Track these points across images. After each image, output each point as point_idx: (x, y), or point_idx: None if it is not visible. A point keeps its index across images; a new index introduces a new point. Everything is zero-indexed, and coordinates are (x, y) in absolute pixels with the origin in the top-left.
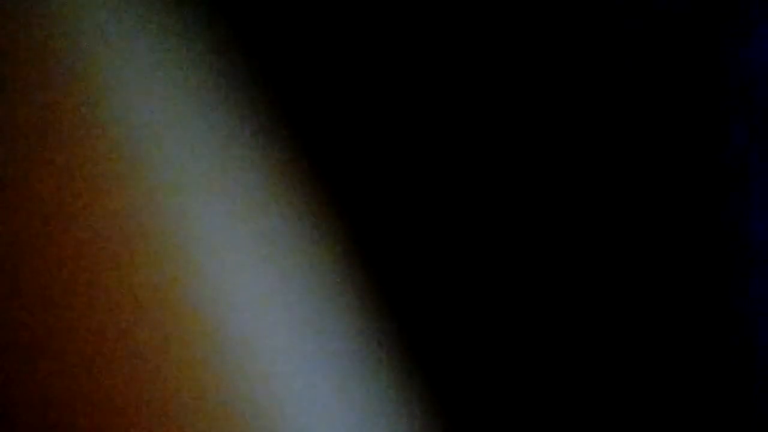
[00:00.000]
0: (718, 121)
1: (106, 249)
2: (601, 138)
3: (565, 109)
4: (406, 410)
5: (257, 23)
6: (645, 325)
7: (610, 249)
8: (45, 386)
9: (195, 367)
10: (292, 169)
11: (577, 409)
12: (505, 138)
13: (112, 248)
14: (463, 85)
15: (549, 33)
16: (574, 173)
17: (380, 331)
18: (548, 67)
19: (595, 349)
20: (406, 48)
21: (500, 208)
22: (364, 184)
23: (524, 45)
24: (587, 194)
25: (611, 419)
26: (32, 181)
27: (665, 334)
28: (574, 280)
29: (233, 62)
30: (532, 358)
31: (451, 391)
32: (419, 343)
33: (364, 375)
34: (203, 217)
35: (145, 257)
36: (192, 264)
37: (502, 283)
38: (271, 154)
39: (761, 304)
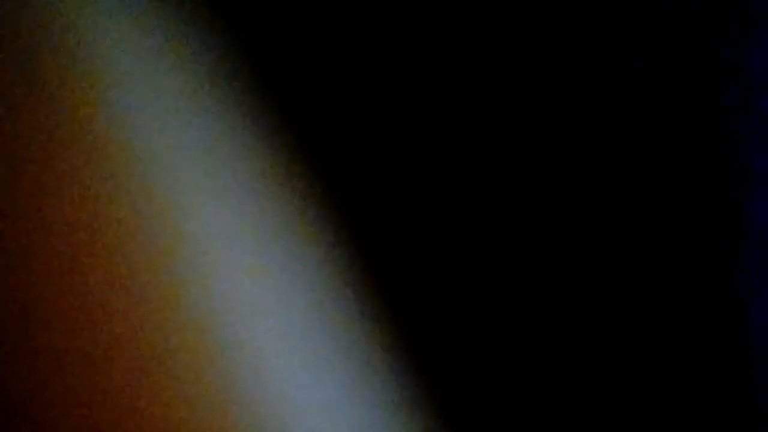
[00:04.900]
0: (719, 117)
1: (106, 249)
2: (597, 128)
3: (563, 104)
4: (407, 411)
5: (258, 23)
6: (643, 321)
7: (608, 244)
8: (44, 387)
9: (195, 368)
10: (293, 169)
11: (577, 408)
12: (507, 139)
13: (112, 248)
14: (464, 86)
15: (548, 33)
16: (572, 166)
17: (381, 331)
18: (548, 64)
19: (594, 347)
20: (407, 48)
21: (500, 208)
22: (365, 184)
23: (525, 43)
24: (586, 188)
25: (611, 419)
26: (32, 182)
27: (664, 329)
28: (571, 275)
29: (234, 62)
30: (532, 358)
31: (451, 391)
32: (420, 343)
33: (365, 376)
34: (204, 217)
35: (144, 257)
36: (192, 264)
37: (503, 283)
38: (271, 154)
39: (760, 297)
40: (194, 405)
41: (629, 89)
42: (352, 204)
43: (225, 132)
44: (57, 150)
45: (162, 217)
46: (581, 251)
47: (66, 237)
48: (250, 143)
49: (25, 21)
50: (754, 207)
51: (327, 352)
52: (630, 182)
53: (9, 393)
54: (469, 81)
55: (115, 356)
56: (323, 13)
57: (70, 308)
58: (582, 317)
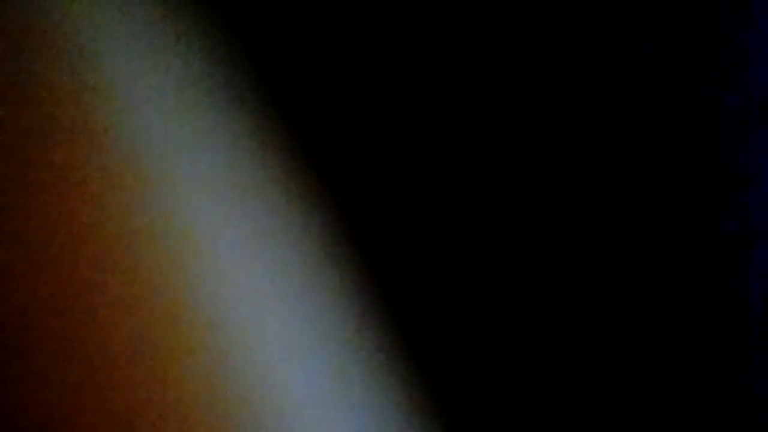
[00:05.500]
0: (720, 117)
1: (105, 248)
2: (597, 128)
3: (563, 105)
4: (405, 409)
5: (259, 23)
6: (643, 320)
7: (608, 245)
8: (44, 387)
9: (194, 366)
10: (292, 169)
11: (577, 408)
12: (507, 139)
13: (111, 247)
14: (464, 87)
15: (546, 33)
16: (572, 166)
17: (380, 329)
18: (546, 65)
19: (594, 348)
20: (407, 48)
21: (500, 208)
22: (364, 184)
23: (523, 45)
24: (587, 190)
25: (611, 419)
26: (32, 181)
27: (663, 328)
28: (571, 275)
29: (235, 62)
30: (532, 358)
31: (451, 390)
32: (419, 341)
33: (363, 374)
34: (203, 217)
35: (143, 256)
36: (191, 263)
37: (502, 283)
38: (271, 153)
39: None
40: (196, 405)
41: (628, 88)
42: (352, 204)
43: (226, 131)
44: (57, 150)
45: (163, 216)
46: (581, 251)
47: (66, 237)
48: (251, 143)
49: (24, 20)
50: (754, 207)
51: (328, 351)
52: (630, 181)
53: (9, 393)
54: (469, 81)
55: (115, 356)
56: (323, 13)
57: (71, 308)
58: (582, 317)
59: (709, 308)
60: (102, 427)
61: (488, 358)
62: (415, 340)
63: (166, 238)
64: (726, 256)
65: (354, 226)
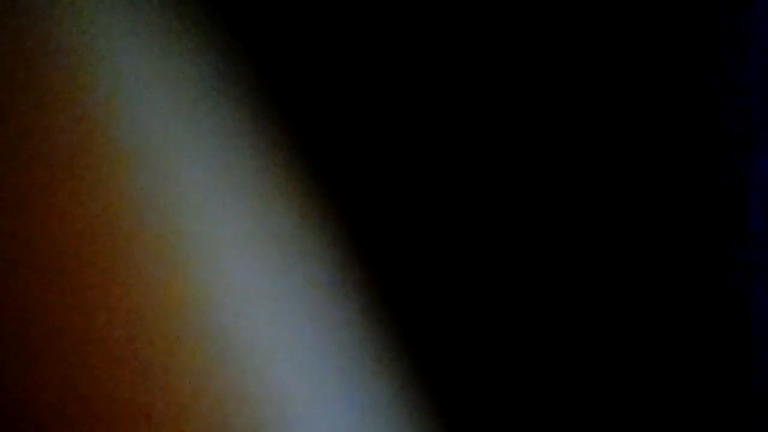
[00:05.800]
0: (719, 117)
1: (104, 248)
2: (596, 128)
3: (562, 104)
4: (405, 409)
5: (260, 23)
6: (643, 321)
7: (609, 243)
8: (44, 386)
9: (193, 366)
10: (292, 168)
11: (577, 408)
12: (507, 139)
13: (110, 247)
14: (463, 84)
15: (546, 34)
16: (571, 165)
17: (380, 329)
18: (546, 66)
19: (594, 347)
20: (407, 48)
21: (500, 208)
22: (364, 183)
23: (525, 43)
24: (587, 188)
25: (611, 419)
26: (32, 181)
27: (663, 328)
28: (571, 275)
29: (235, 62)
30: (532, 358)
31: (451, 390)
32: (419, 341)
33: (363, 374)
34: (203, 216)
35: (143, 256)
36: (191, 263)
37: (502, 283)
38: (271, 152)
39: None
40: (196, 405)
41: (628, 87)
42: (352, 203)
43: (226, 131)
44: (58, 150)
45: (162, 216)
46: (581, 250)
47: (66, 237)
48: (251, 142)
49: (24, 20)
50: (753, 208)
51: (328, 351)
52: (630, 181)
53: (9, 393)
54: (468, 80)
55: (114, 356)
56: (323, 13)
57: (71, 308)
58: (582, 316)
59: (711, 308)
60: (101, 427)
61: (488, 358)
62: (416, 340)
63: (165, 238)
64: (728, 256)
65: (354, 226)
